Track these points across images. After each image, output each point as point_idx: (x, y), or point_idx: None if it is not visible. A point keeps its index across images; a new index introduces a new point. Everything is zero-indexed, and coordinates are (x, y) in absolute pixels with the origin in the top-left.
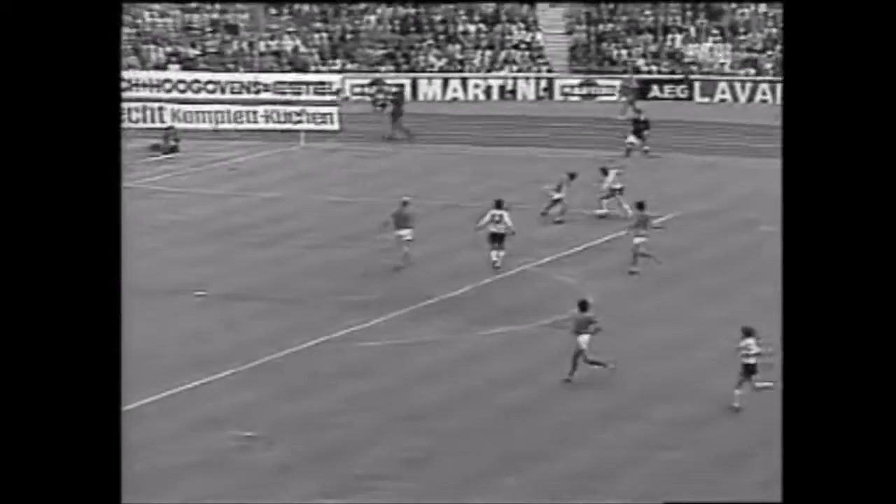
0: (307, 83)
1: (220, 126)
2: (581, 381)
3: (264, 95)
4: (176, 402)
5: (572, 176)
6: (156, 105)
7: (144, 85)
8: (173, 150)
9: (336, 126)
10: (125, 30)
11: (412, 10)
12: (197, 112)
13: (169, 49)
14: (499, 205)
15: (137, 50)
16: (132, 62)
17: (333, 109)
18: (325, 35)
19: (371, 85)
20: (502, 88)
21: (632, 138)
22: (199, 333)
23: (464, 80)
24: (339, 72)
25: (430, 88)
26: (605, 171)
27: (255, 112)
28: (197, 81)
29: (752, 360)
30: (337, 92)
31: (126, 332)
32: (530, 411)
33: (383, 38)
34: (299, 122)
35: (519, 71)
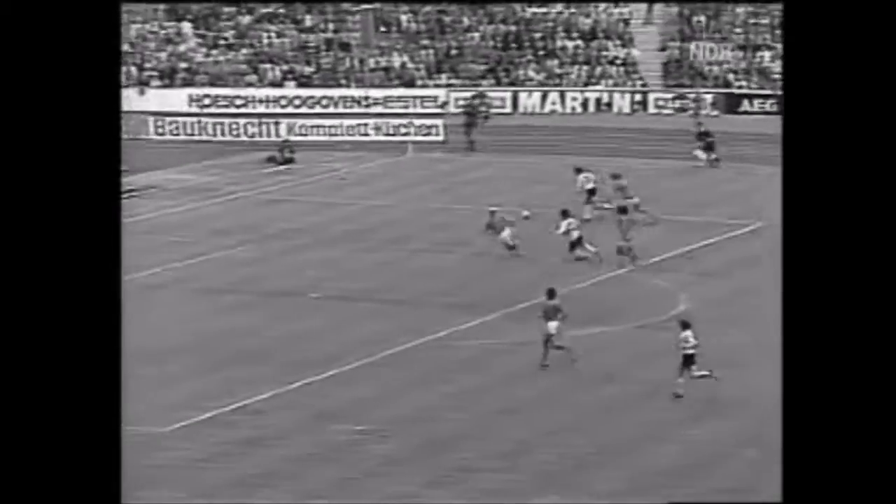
0: (414, 97)
1: (334, 139)
2: (668, 382)
3: (374, 109)
4: (294, 397)
5: (615, 177)
6: (272, 120)
7: (261, 101)
8: (288, 161)
9: (441, 137)
10: (243, 50)
11: (513, 28)
12: (311, 126)
13: (285, 67)
14: (565, 214)
15: (255, 68)
16: (250, 80)
17: (439, 122)
18: (431, 51)
19: (474, 98)
20: (598, 101)
21: (698, 151)
22: (315, 332)
23: (562, 94)
24: (445, 86)
25: (529, 101)
26: (578, 171)
27: (365, 125)
28: (311, 97)
29: (690, 352)
30: (442, 105)
31: (247, 332)
32: (621, 408)
33: (486, 53)
34: (407, 133)
35: (615, 85)
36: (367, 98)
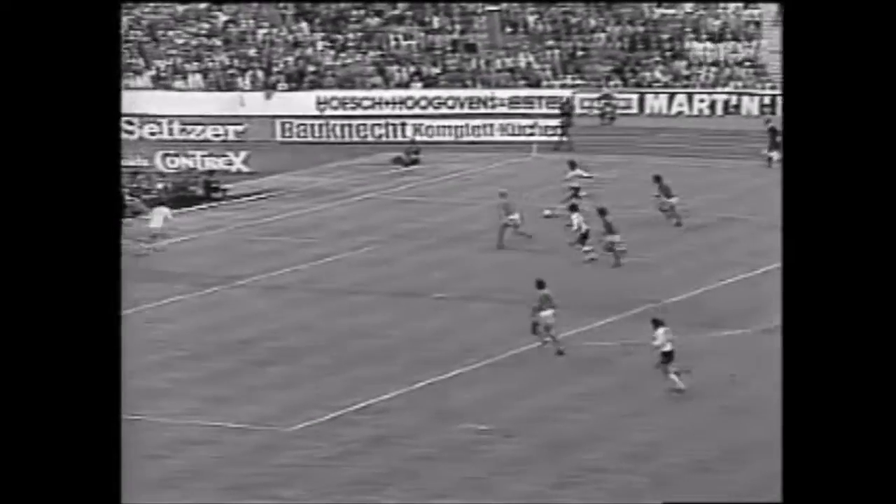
0: (540, 98)
1: (460, 139)
2: None
3: (500, 110)
4: (418, 396)
5: (657, 178)
6: (398, 121)
7: (388, 103)
8: (414, 162)
9: (566, 138)
10: (370, 53)
11: (640, 29)
12: (437, 126)
13: (412, 68)
14: (574, 208)
15: (382, 70)
16: (376, 82)
17: None
18: (556, 52)
19: (600, 99)
20: (726, 104)
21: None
22: (439, 332)
23: (689, 96)
24: (570, 87)
25: (656, 103)
26: (572, 165)
27: (491, 125)
28: (438, 98)
29: (668, 348)
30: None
31: (372, 332)
32: (747, 410)
33: (612, 54)
34: (532, 134)
35: (743, 87)
36: (492, 99)
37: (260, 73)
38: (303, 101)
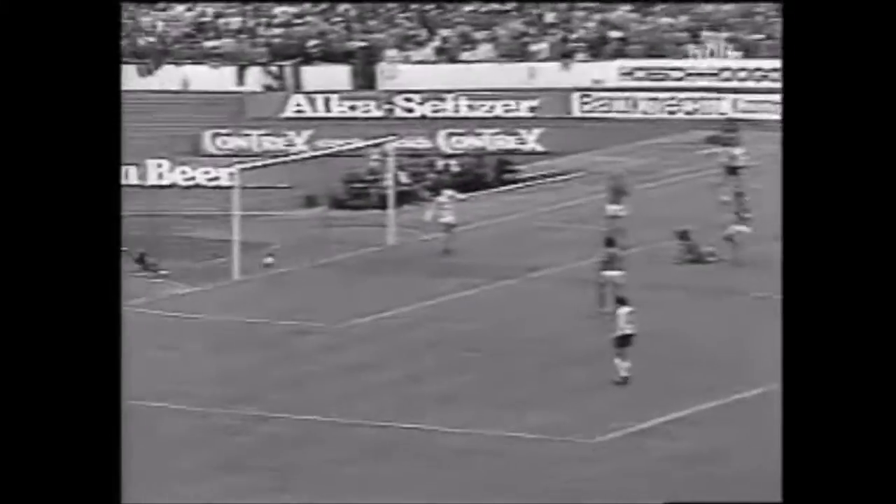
0: None
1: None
2: None
3: None
4: (740, 409)
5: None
6: (713, 95)
7: (701, 74)
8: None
9: None
10: (682, 17)
11: None
12: (758, 101)
13: (730, 35)
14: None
15: (696, 36)
16: (690, 50)
17: None
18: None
19: None
20: None
21: None
22: (759, 337)
23: None
24: None
25: None
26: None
27: None
28: (759, 69)
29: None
30: None
31: (684, 335)
32: None
33: None
34: None
35: None
36: None
37: (557, 41)
38: (604, 72)
